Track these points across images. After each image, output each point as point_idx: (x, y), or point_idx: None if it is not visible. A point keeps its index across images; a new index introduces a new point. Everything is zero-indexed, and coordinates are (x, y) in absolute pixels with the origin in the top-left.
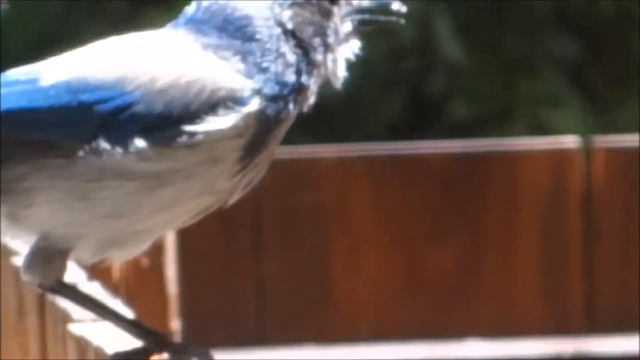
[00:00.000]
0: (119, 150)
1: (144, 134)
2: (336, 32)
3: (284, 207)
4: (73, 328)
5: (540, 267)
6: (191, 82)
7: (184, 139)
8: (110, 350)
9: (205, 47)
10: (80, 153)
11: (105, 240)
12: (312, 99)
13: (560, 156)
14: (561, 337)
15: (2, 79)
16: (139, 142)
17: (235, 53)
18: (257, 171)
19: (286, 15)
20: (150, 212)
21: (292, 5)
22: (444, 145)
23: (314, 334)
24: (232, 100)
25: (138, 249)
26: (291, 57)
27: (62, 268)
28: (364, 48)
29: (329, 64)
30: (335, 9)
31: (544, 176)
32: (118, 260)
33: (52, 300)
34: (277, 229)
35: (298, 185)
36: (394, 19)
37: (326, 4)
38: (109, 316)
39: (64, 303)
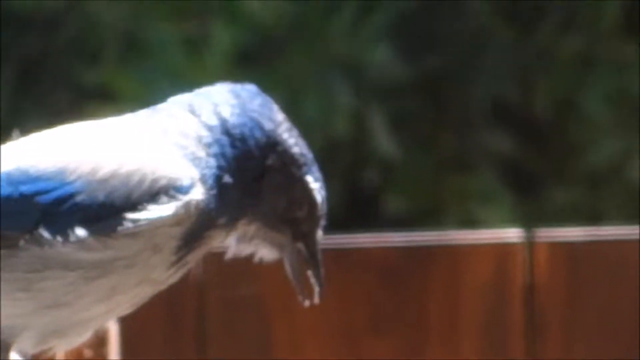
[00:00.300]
0: (60, 240)
1: (86, 223)
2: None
3: (227, 298)
4: None
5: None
6: (132, 171)
7: (125, 227)
8: None
9: (157, 131)
10: (22, 243)
11: (47, 330)
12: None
13: (502, 249)
14: None
15: None
16: (81, 232)
17: (185, 143)
18: (185, 270)
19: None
20: (92, 302)
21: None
22: (385, 238)
23: None
24: (174, 189)
25: (80, 338)
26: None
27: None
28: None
29: None
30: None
31: (486, 269)
32: (59, 350)
33: None
34: (221, 319)
35: (241, 276)
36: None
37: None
38: None
39: None
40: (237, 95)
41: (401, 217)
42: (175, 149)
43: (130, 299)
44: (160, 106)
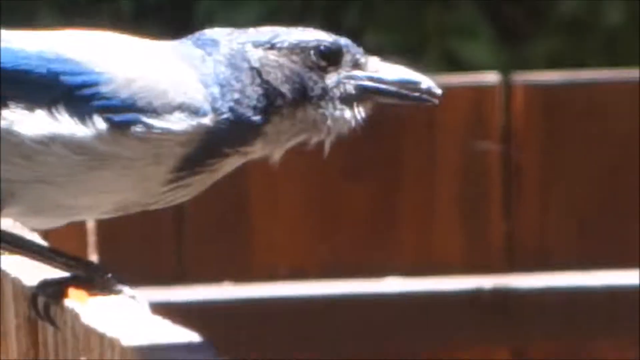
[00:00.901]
0: (75, 122)
1: (102, 114)
2: (327, 90)
3: None
4: None
5: (459, 204)
6: (158, 81)
7: (137, 129)
8: (30, 281)
9: (183, 57)
10: (37, 113)
11: (32, 204)
12: (270, 147)
13: (479, 92)
14: (481, 273)
15: None
16: (97, 122)
17: (204, 73)
18: (185, 193)
19: (255, 54)
20: (81, 191)
21: (268, 48)
22: None
23: (232, 272)
24: (190, 109)
25: (57, 222)
26: (250, 94)
27: None
28: None
29: (310, 117)
30: (332, 68)
31: (463, 112)
32: (34, 226)
33: None
34: None
35: None
36: (424, 97)
37: (315, 59)
38: (43, 253)
39: None
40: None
41: (382, 54)
42: (196, 74)
43: (116, 202)
44: (179, 41)
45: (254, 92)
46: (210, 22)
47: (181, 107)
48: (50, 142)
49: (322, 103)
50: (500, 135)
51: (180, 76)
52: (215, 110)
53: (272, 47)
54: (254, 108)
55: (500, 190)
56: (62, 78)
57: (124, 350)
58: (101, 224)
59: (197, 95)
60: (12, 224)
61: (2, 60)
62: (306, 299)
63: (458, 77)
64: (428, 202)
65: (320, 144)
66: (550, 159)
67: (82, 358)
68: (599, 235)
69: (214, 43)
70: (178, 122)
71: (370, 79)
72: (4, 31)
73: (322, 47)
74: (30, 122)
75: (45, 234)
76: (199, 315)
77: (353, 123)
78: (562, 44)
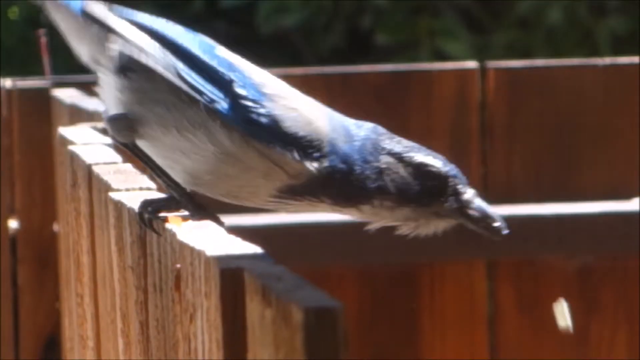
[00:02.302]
0: (223, 119)
1: (246, 123)
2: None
3: None
4: (112, 195)
5: (449, 155)
6: (306, 121)
7: (261, 145)
8: (138, 206)
9: (334, 119)
10: (201, 104)
11: (165, 160)
12: (369, 218)
13: (463, 75)
14: None
15: (170, 25)
16: (238, 126)
17: (339, 138)
18: (286, 209)
19: (386, 159)
20: (206, 172)
21: (397, 158)
22: (378, 67)
23: None
24: (310, 153)
25: (213, 193)
26: (363, 174)
27: (135, 137)
28: None
29: (406, 215)
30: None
31: (451, 90)
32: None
33: (97, 175)
34: None
35: None
36: (489, 233)
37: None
38: (160, 174)
39: (106, 177)
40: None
41: (388, 50)
42: (333, 135)
43: (229, 191)
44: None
45: (366, 174)
46: (268, 23)
47: (303, 148)
48: (198, 127)
49: (420, 209)
50: (478, 105)
51: (321, 128)
52: (328, 165)
53: (401, 159)
54: (358, 182)
55: (478, 145)
56: (235, 85)
57: (207, 259)
58: None
59: (322, 148)
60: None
61: (205, 53)
62: (338, 224)
63: (448, 64)
64: None
65: None
66: (514, 123)
67: (177, 265)
68: (549, 178)
69: (366, 137)
70: (294, 157)
71: (470, 206)
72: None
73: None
74: (191, 106)
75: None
76: (262, 236)
77: (434, 232)
78: (516, 37)
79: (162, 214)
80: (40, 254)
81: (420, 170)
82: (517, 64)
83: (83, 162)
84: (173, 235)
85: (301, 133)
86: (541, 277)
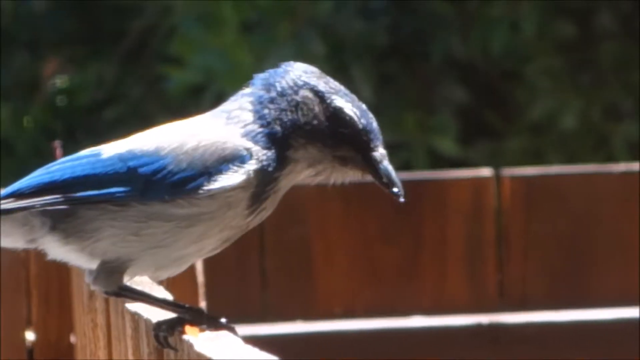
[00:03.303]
0: (158, 200)
1: (175, 187)
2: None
3: (281, 219)
4: (129, 306)
5: (465, 263)
6: (206, 146)
7: (204, 191)
8: (155, 320)
9: (223, 117)
10: (132, 203)
11: (152, 264)
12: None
13: (478, 182)
14: (480, 312)
15: (72, 157)
16: (172, 194)
17: (243, 120)
18: (265, 212)
19: (305, 93)
20: (185, 244)
21: (317, 95)
22: None
23: (302, 313)
24: (236, 161)
25: (179, 270)
26: (282, 122)
27: (120, 279)
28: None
29: (317, 156)
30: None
31: (466, 197)
32: (165, 277)
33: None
34: (276, 234)
35: (290, 203)
36: (388, 193)
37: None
38: (157, 303)
39: None
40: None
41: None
42: (235, 127)
43: (216, 241)
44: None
45: (282, 107)
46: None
47: (228, 162)
48: (146, 220)
49: (326, 150)
50: (494, 212)
51: (223, 137)
52: (256, 148)
53: (321, 99)
54: (282, 139)
55: (494, 252)
56: (140, 171)
57: None
58: (208, 278)
59: (239, 147)
60: (141, 279)
61: (96, 168)
62: (354, 332)
63: (463, 171)
64: (442, 261)
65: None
66: (529, 230)
67: None
68: (564, 284)
69: (285, 72)
70: (230, 176)
71: (376, 165)
72: (97, 147)
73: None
74: (129, 210)
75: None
76: (278, 345)
77: (343, 181)
78: (529, 143)
79: (177, 328)
80: None
81: (336, 113)
82: (531, 171)
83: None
84: (190, 346)
85: (214, 154)
86: None
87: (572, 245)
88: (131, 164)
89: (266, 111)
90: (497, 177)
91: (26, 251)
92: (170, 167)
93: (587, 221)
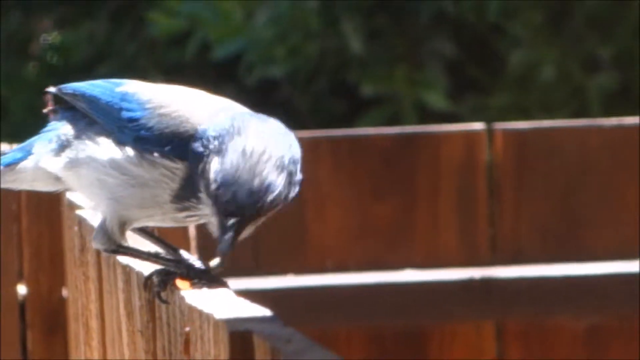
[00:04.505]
0: (120, 148)
1: (136, 141)
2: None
3: None
4: (120, 259)
5: (457, 216)
6: (178, 122)
7: (148, 155)
8: (147, 273)
9: (213, 109)
10: (105, 142)
11: (115, 217)
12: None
13: (470, 136)
14: (472, 266)
15: (94, 82)
16: (133, 148)
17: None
18: (195, 221)
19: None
20: (133, 205)
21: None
22: (385, 130)
23: (293, 266)
24: (180, 151)
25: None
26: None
27: (117, 237)
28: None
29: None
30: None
31: (458, 151)
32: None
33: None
34: None
35: None
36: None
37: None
38: (154, 259)
39: None
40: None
41: (372, 98)
42: (210, 124)
43: (161, 214)
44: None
45: (204, 159)
46: (252, 74)
47: (175, 147)
48: (109, 167)
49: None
50: (486, 167)
51: (185, 123)
52: (192, 162)
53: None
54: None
55: (486, 206)
56: (123, 113)
57: (216, 322)
58: (199, 232)
59: (188, 141)
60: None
61: (103, 96)
62: (346, 287)
63: (455, 125)
64: (434, 215)
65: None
66: (521, 184)
67: (186, 328)
68: (557, 239)
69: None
70: (172, 156)
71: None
72: (125, 80)
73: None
74: (101, 150)
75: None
76: (270, 299)
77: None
78: (514, 98)
79: (169, 282)
80: (49, 319)
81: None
82: (524, 125)
83: (91, 226)
84: (182, 298)
85: (175, 133)
86: (549, 337)
87: (564, 199)
88: (123, 104)
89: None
90: (489, 131)
91: (18, 205)
92: (141, 121)
93: (580, 175)
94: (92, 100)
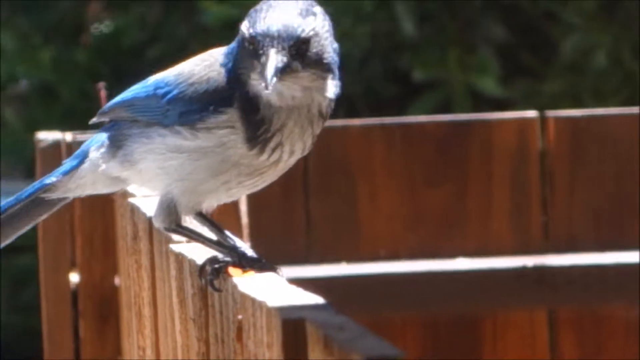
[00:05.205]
0: (171, 131)
1: (181, 117)
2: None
3: (326, 162)
4: (173, 247)
5: (510, 204)
6: (203, 86)
7: (201, 124)
8: (199, 261)
9: (221, 57)
10: (155, 135)
11: (186, 197)
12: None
13: (523, 123)
14: (525, 254)
15: (123, 93)
16: (180, 123)
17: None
18: (285, 150)
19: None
20: (202, 179)
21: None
22: (438, 117)
23: (346, 255)
24: (223, 102)
25: (215, 203)
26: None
27: (176, 216)
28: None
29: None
30: None
31: (511, 139)
32: (208, 208)
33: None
34: (321, 178)
35: (334, 146)
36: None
37: None
38: (208, 243)
39: None
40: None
41: (425, 83)
42: (223, 69)
43: (236, 177)
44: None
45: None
46: None
47: (218, 102)
48: (166, 151)
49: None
50: (539, 154)
51: (214, 77)
52: (239, 93)
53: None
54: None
55: (539, 193)
56: (161, 97)
57: (269, 309)
58: (252, 219)
59: (226, 91)
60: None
61: (138, 94)
62: (399, 275)
63: (507, 113)
64: (486, 203)
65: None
66: (574, 171)
67: (239, 316)
68: (609, 225)
69: None
70: (220, 116)
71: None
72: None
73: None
74: (154, 144)
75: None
76: (323, 287)
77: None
78: (567, 85)
79: (222, 271)
80: (102, 306)
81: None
82: (576, 112)
83: (144, 214)
84: (234, 286)
85: (207, 93)
86: (603, 326)
87: (617, 187)
88: (158, 91)
89: (230, 59)
90: (542, 119)
91: None
92: (179, 96)
93: (633, 163)
94: (131, 103)
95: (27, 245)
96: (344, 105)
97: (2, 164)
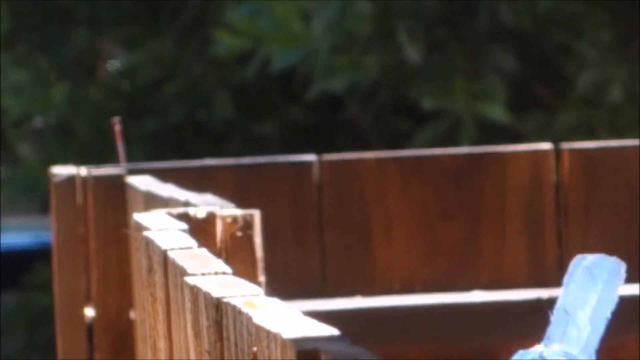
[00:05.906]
0: None
1: None
2: None
3: (340, 195)
4: (188, 280)
5: (524, 238)
6: None
7: None
8: (215, 294)
9: None
10: None
11: None
12: None
13: (537, 156)
14: (540, 287)
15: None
16: None
17: None
18: None
19: None
20: None
21: None
22: (452, 150)
23: (361, 288)
24: None
25: None
26: None
27: None
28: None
29: None
30: None
31: (525, 171)
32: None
33: (173, 260)
34: (335, 210)
35: (349, 179)
36: None
37: None
38: None
39: (182, 262)
40: None
41: (432, 112)
42: None
43: None
44: None
45: None
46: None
47: None
48: None
49: None
50: (553, 186)
51: None
52: None
53: None
54: None
55: (553, 226)
56: None
57: (284, 341)
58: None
59: None
60: (201, 253)
61: None
62: (414, 308)
63: (521, 145)
64: (500, 236)
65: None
66: (589, 204)
67: (254, 348)
68: (625, 259)
69: None
70: None
71: None
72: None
73: None
74: None
75: (227, 260)
76: (338, 320)
77: None
78: (581, 117)
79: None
80: (117, 340)
81: None
82: (590, 144)
83: (158, 247)
84: (249, 318)
85: None
86: (617, 357)
87: (632, 219)
88: None
89: None
90: (556, 151)
91: (85, 227)
92: None
93: None
94: None
95: (43, 283)
96: (353, 135)
97: (18, 200)
